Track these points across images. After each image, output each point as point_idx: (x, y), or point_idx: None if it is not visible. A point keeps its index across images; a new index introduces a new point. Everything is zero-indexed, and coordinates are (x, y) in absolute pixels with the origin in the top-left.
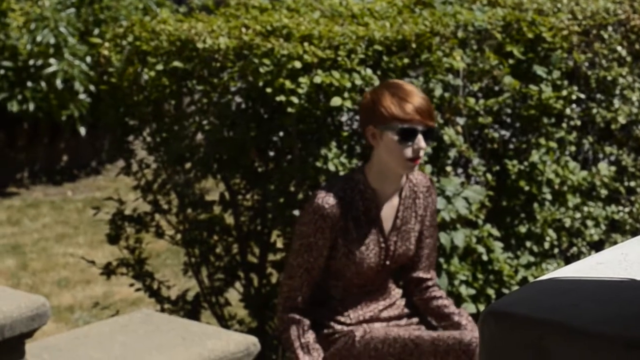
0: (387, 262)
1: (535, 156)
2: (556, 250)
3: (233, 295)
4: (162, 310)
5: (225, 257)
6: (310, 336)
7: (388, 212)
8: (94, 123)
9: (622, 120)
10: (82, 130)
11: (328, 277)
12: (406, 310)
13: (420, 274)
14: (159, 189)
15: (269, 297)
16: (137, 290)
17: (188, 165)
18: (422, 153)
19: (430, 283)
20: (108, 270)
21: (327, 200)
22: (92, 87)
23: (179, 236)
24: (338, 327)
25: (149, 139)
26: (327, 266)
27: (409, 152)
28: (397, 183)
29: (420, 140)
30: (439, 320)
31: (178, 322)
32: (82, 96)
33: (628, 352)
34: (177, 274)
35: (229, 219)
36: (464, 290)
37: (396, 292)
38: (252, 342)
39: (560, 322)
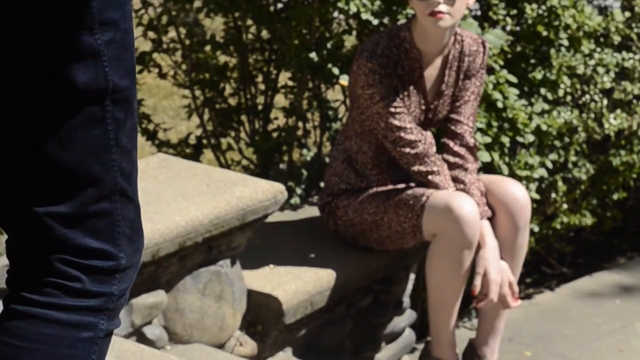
0: (427, 126)
1: (554, 0)
2: (569, 98)
3: (236, 139)
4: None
5: (230, 99)
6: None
7: (431, 74)
8: None
9: None
10: None
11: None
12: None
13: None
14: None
15: (275, 141)
16: None
17: (197, 3)
18: (442, 7)
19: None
20: None
21: (376, 60)
22: None
23: (179, 79)
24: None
25: None
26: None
27: (425, 6)
28: (439, 42)
29: None
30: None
31: (199, 167)
32: None
33: None
34: (173, 118)
35: (236, 60)
36: (479, 138)
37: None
38: (279, 190)
39: None
